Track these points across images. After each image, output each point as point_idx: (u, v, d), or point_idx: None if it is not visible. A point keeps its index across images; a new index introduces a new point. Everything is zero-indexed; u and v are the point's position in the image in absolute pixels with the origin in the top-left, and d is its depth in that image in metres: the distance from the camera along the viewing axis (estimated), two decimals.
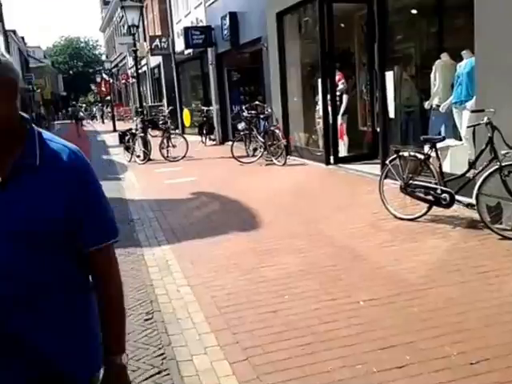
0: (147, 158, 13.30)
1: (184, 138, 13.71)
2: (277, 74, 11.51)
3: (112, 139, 22.54)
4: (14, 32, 38.32)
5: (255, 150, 11.75)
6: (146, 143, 13.48)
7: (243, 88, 15.92)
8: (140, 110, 14.18)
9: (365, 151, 10.56)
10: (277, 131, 10.81)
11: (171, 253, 5.86)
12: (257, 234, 6.29)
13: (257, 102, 12.20)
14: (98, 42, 79.40)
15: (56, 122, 42.70)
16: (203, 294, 4.59)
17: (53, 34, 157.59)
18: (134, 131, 13.93)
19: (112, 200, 8.38)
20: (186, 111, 20.98)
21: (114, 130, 28.51)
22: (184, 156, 13.16)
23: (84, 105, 59.07)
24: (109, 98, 36.73)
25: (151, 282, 5.04)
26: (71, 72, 77.05)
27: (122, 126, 30.88)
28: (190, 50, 18.05)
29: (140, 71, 32.32)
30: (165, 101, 25.53)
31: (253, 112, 11.79)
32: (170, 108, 18.88)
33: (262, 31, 12.10)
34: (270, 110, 11.58)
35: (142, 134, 13.56)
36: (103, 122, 41.24)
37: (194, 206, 8.06)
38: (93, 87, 64.78)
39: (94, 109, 52.44)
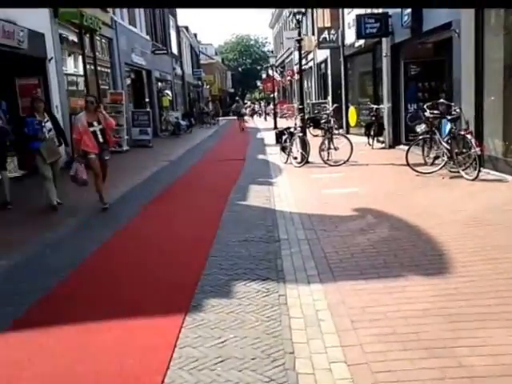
0: (305, 160, 11.87)
1: (348, 139, 12.01)
2: (471, 68, 9.28)
3: (271, 137, 21.64)
4: (187, 28, 39.66)
5: (436, 157, 9.60)
6: (304, 144, 12.07)
7: (422, 84, 13.67)
8: (301, 107, 12.78)
9: None
10: (468, 137, 8.59)
11: (323, 298, 4.29)
12: (445, 283, 4.43)
13: (441, 100, 10.00)
14: (266, 39, 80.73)
15: (220, 118, 43.49)
16: None
17: (225, 32, 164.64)
18: (292, 130, 12.60)
19: (259, 210, 6.37)
20: (351, 109, 19.26)
21: (275, 128, 27.80)
22: (347, 160, 11.49)
23: (249, 102, 60.03)
24: (273, 95, 36.41)
25: (292, 348, 3.52)
26: (240, 69, 79.34)
27: (283, 123, 30.17)
28: (361, 42, 16.27)
29: (306, 67, 31.33)
30: (329, 98, 24.14)
31: (436, 112, 9.66)
32: (335, 105, 17.44)
33: (453, 14, 9.91)
34: (458, 111, 9.37)
35: (301, 134, 12.17)
36: (265, 119, 41.08)
37: (357, 228, 6.37)
38: (258, 84, 65.98)
39: (257, 106, 52.84)
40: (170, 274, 5.14)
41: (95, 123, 8.10)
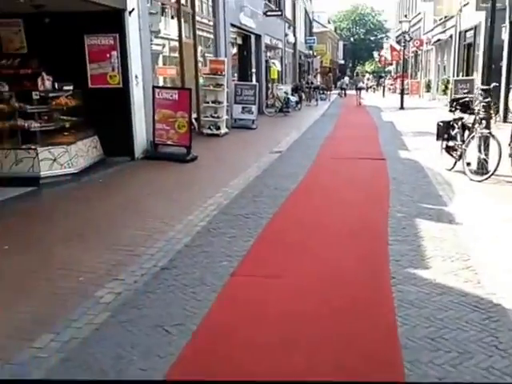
0: (490, 171, 7.65)
1: None
2: None
3: (403, 121, 17.37)
4: None
5: None
6: (487, 145, 7.89)
7: None
8: (485, 87, 8.45)
9: None
10: None
11: None
12: None
13: None
14: (383, 11, 74.52)
15: (332, 92, 39.18)
16: None
17: (339, 0, 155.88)
18: (466, 122, 8.44)
19: (470, 306, 3.81)
20: None
21: (402, 108, 23.30)
22: None
23: (367, 74, 54.51)
24: (390, 68, 31.72)
25: None
26: (352, 39, 73.87)
27: (408, 101, 25.52)
28: None
29: (443, 36, 26.23)
30: (476, 74, 19.26)
31: None
32: (494, 84, 13.01)
33: None
34: None
35: (485, 131, 7.94)
36: (383, 96, 36.24)
37: None
38: (375, 55, 60.26)
39: (364, 81, 46.58)
40: None
41: None
